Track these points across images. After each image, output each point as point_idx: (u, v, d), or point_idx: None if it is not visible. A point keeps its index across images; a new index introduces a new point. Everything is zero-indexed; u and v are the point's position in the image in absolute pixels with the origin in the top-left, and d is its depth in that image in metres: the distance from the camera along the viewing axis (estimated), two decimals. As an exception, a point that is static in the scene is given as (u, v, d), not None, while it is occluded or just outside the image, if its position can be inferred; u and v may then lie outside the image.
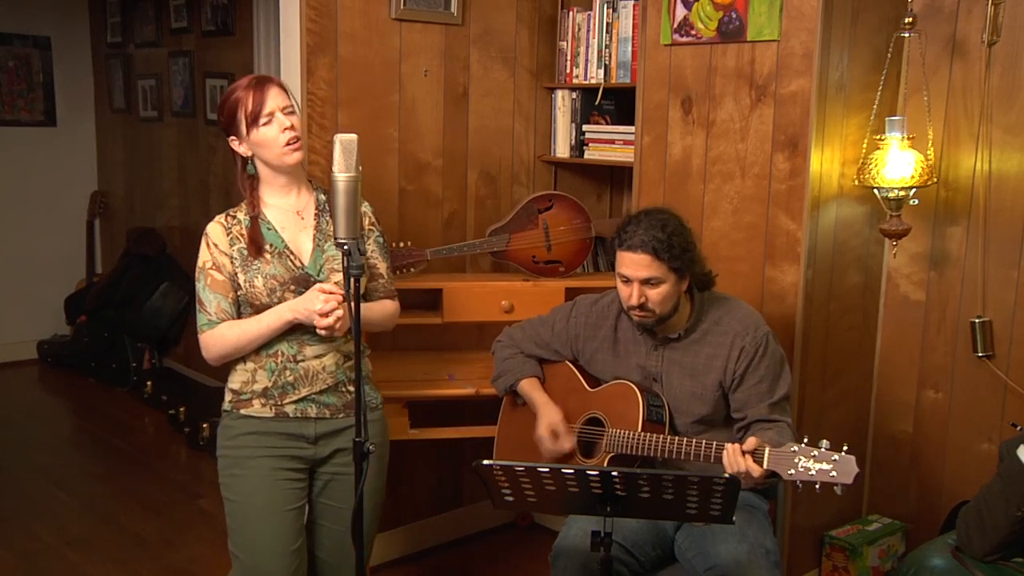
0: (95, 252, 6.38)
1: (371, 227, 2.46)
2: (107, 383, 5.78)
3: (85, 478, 4.42)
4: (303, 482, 2.39)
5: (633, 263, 2.38)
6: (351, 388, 2.39)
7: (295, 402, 2.35)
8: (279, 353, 2.33)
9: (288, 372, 2.33)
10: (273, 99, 2.27)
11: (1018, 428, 2.53)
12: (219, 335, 2.32)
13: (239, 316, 2.35)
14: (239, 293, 2.33)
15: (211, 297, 2.32)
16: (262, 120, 2.26)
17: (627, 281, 2.41)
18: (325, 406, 2.37)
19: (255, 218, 2.33)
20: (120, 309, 5.82)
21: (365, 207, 2.45)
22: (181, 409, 4.98)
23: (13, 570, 3.50)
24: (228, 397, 2.40)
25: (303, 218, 2.38)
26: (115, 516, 3.97)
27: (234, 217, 2.36)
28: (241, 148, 2.33)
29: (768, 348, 2.46)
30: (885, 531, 3.23)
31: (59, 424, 5.32)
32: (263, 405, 2.34)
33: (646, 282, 2.38)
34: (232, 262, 2.32)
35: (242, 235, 2.33)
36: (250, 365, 2.35)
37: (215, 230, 2.34)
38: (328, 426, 2.38)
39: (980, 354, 3.05)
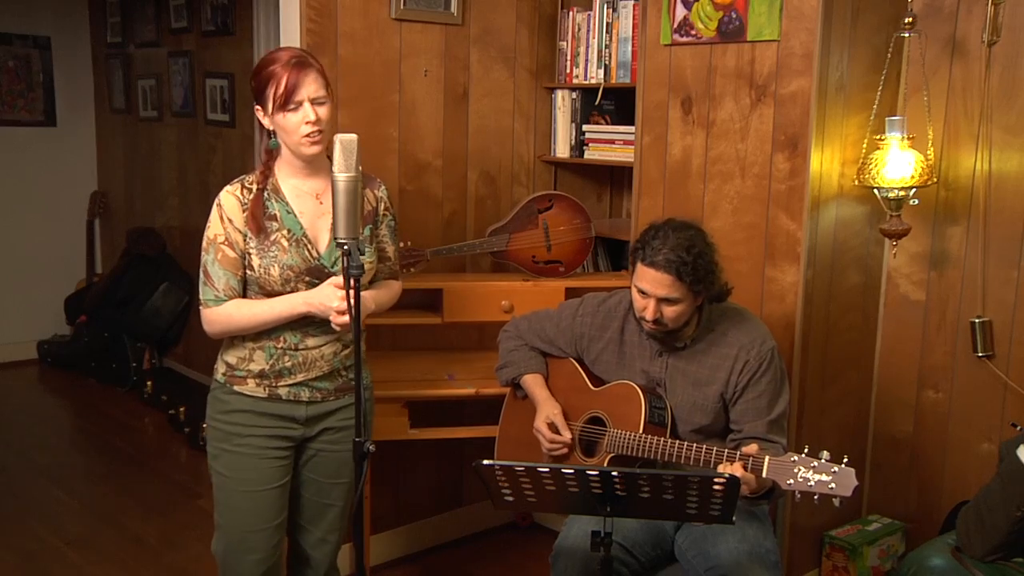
0: (95, 252, 6.38)
1: (385, 212, 2.45)
2: (107, 383, 5.78)
3: (85, 478, 4.42)
4: (289, 459, 2.41)
5: (654, 280, 2.36)
6: (343, 373, 2.41)
7: (289, 386, 2.35)
8: (282, 339, 2.32)
9: (287, 358, 2.33)
10: (307, 87, 2.21)
11: (1018, 428, 2.53)
12: (226, 314, 2.30)
13: (244, 294, 2.33)
14: (249, 275, 2.30)
15: (220, 273, 2.29)
16: (290, 106, 2.21)
17: (644, 294, 2.40)
18: (318, 390, 2.38)
19: (261, 190, 2.30)
20: (120, 309, 5.82)
21: (382, 192, 2.44)
22: (181, 409, 4.98)
23: (13, 570, 3.50)
24: (221, 369, 2.39)
25: (322, 203, 2.33)
26: (115, 516, 3.97)
27: (249, 190, 2.30)
28: (265, 120, 2.28)
29: (772, 364, 2.45)
30: (885, 531, 3.23)
31: (59, 424, 5.32)
32: (257, 385, 2.35)
33: (663, 299, 2.37)
34: (245, 240, 2.28)
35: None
36: (249, 344, 2.34)
37: (229, 203, 2.29)
38: (319, 408, 2.40)
39: (980, 354, 3.05)
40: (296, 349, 2.34)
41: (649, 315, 2.39)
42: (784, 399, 2.47)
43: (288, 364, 2.34)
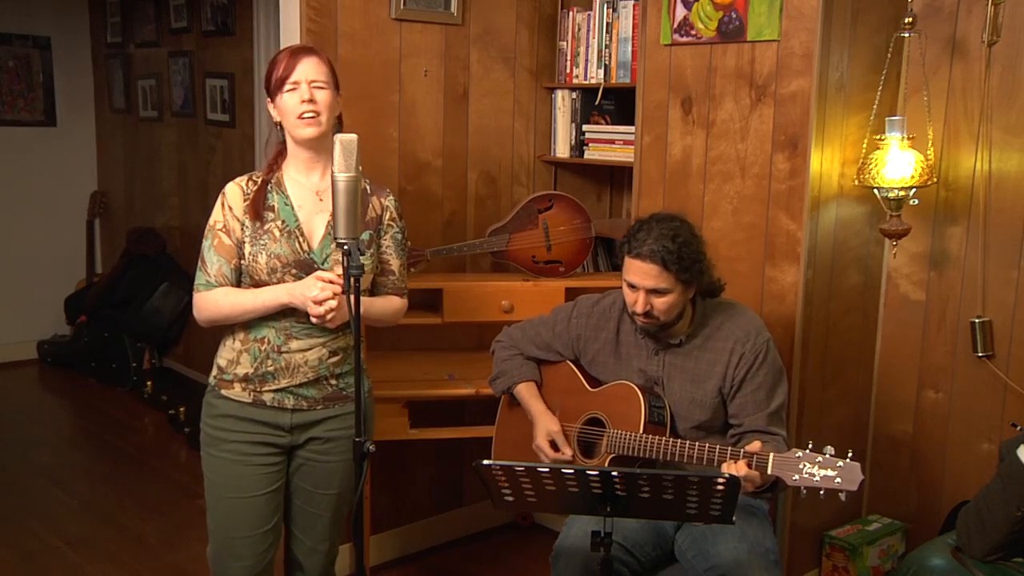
0: (95, 252, 6.38)
1: (391, 223, 2.44)
2: (107, 383, 5.78)
3: (85, 478, 4.42)
4: (279, 465, 2.40)
5: (641, 272, 2.37)
6: (332, 382, 2.39)
7: (273, 391, 2.34)
8: (265, 340, 2.32)
9: (270, 361, 2.32)
10: (304, 69, 2.26)
11: (1018, 428, 2.53)
12: (213, 300, 2.31)
13: (238, 283, 2.34)
14: (242, 263, 2.31)
15: (214, 259, 2.31)
16: (287, 87, 2.26)
17: (633, 288, 2.41)
18: (303, 398, 2.36)
19: (265, 181, 2.32)
20: (120, 309, 5.82)
21: (389, 201, 2.44)
22: (181, 409, 4.98)
23: (13, 570, 3.50)
24: (214, 372, 2.40)
25: (322, 200, 2.34)
26: (115, 516, 3.97)
27: (255, 183, 2.33)
28: (273, 112, 2.33)
29: (768, 356, 2.46)
30: (885, 531, 3.23)
31: (59, 424, 5.32)
32: (243, 390, 2.34)
33: (652, 291, 2.38)
34: (242, 229, 2.30)
35: None
36: (237, 345, 2.35)
37: (233, 192, 2.32)
38: (304, 417, 2.38)
39: (980, 354, 3.05)
40: (279, 352, 2.32)
41: (639, 308, 2.39)
42: (782, 390, 2.47)
43: (271, 368, 2.33)
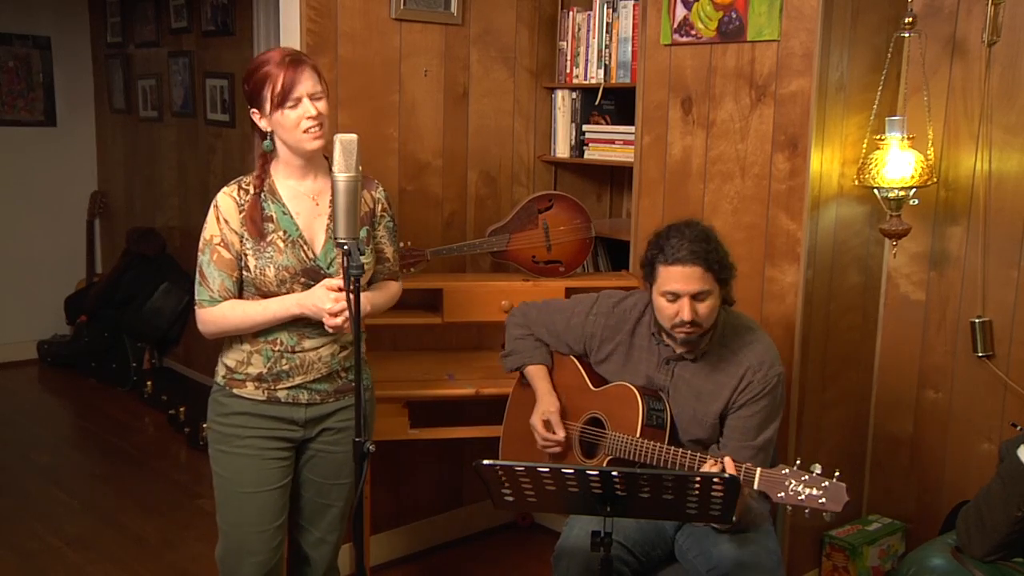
0: (95, 252, 6.38)
1: (383, 213, 2.46)
2: (107, 383, 5.78)
3: (85, 478, 4.42)
4: (289, 460, 2.41)
5: (684, 277, 2.31)
6: (343, 375, 2.41)
7: (288, 388, 2.35)
8: (278, 341, 2.33)
9: (284, 361, 2.33)
10: (304, 83, 2.22)
11: (1018, 428, 2.53)
12: (220, 314, 2.30)
13: (240, 294, 2.33)
14: (246, 276, 2.30)
15: (215, 274, 2.29)
16: (288, 103, 2.22)
17: (675, 298, 2.33)
18: (316, 392, 2.38)
19: (258, 194, 2.30)
20: (120, 309, 5.82)
21: (379, 193, 2.45)
22: (181, 409, 4.98)
23: (13, 570, 3.50)
24: (221, 371, 2.40)
25: (318, 204, 2.34)
26: (115, 516, 3.97)
27: (246, 191, 2.30)
28: (262, 123, 2.28)
29: (774, 390, 2.41)
30: (885, 531, 3.24)
31: (59, 424, 5.31)
32: (256, 388, 2.35)
33: (695, 296, 2.32)
34: (242, 242, 2.28)
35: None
36: (246, 347, 2.35)
37: (226, 204, 2.29)
38: (318, 411, 2.40)
39: (980, 354, 3.05)
40: (293, 352, 2.33)
41: (687, 315, 2.31)
42: (774, 427, 2.43)
43: (286, 367, 2.34)
